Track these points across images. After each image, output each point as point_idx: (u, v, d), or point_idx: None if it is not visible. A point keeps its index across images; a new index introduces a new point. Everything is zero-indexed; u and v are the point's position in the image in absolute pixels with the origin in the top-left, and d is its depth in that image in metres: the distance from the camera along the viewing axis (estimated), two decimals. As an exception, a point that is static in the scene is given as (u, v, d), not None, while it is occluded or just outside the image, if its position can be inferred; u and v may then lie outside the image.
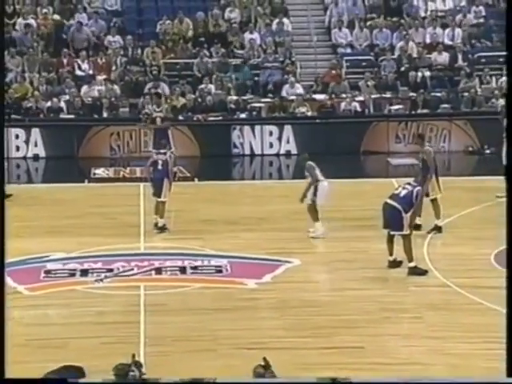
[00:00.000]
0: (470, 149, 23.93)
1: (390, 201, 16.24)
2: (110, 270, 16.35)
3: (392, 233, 16.14)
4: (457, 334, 14.04)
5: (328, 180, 18.91)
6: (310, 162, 18.03)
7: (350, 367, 12.99)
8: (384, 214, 16.30)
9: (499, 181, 19.86)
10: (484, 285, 15.61)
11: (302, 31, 27.72)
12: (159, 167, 18.46)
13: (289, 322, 14.58)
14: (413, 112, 24.91)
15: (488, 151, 23.52)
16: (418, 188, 16.22)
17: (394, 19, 27.31)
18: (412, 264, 16.04)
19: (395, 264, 16.23)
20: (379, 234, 16.61)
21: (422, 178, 16.80)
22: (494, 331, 14.03)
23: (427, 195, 17.53)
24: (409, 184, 16.38)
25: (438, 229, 17.91)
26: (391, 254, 16.25)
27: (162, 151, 19.25)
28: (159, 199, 18.24)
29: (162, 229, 18.19)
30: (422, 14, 27.43)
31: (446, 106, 24.98)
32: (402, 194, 16.17)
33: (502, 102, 24.47)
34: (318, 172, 17.88)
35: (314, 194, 17.70)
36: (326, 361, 13.23)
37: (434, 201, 17.93)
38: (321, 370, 12.82)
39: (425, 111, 24.86)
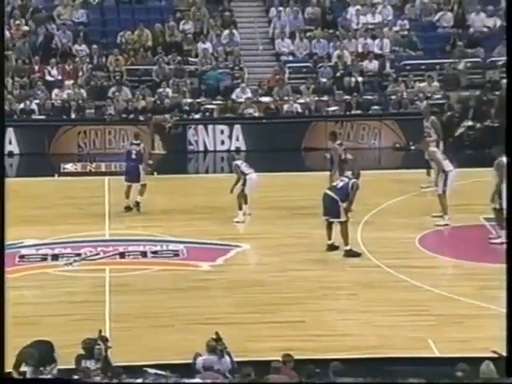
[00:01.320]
0: (398, 145, 24.07)
1: (328, 192, 16.31)
2: (79, 255, 16.24)
3: (330, 220, 16.21)
4: (386, 308, 14.13)
5: (272, 174, 19.01)
6: (234, 162, 18.33)
7: (293, 339, 13.04)
8: (324, 204, 16.36)
9: (423, 173, 20.05)
10: (409, 265, 15.73)
11: (249, 41, 27.66)
12: (133, 156, 18.74)
13: (239, 299, 14.59)
14: (347, 113, 24.97)
15: (412, 147, 23.68)
16: (354, 180, 16.29)
17: (330, 31, 27.35)
18: (348, 247, 16.12)
19: (333, 247, 16.30)
20: (319, 221, 16.68)
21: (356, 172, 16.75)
22: (418, 305, 14.21)
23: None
24: (346, 177, 16.45)
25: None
26: (329, 239, 16.31)
27: (135, 142, 19.23)
28: (137, 183, 18.59)
29: (137, 206, 18.51)
30: (355, 27, 27.49)
31: (376, 107, 25.09)
32: (339, 186, 16.25)
33: (424, 103, 24.69)
34: (243, 168, 18.09)
35: (243, 184, 17.94)
36: (272, 333, 13.26)
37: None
38: (267, 342, 12.87)
39: (358, 112, 24.95)
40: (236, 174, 18.08)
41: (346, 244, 16.12)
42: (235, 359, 11.28)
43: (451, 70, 25.51)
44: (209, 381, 10.38)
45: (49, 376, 10.23)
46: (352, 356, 12.34)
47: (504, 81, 24.92)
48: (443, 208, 17.46)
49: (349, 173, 16.65)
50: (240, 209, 18.03)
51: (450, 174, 17.56)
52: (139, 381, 10.14)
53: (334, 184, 16.40)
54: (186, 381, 10.43)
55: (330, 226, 16.26)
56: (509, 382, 9.29)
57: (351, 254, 16.07)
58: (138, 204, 18.63)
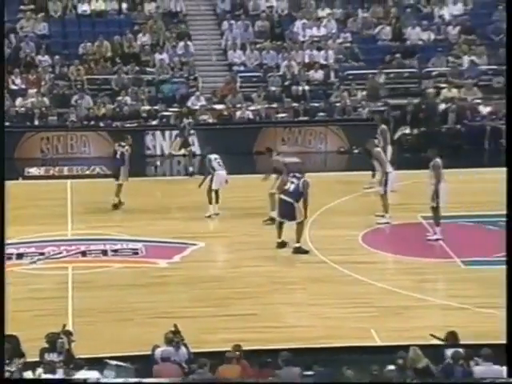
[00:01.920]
0: (342, 149, 24.15)
1: (283, 196, 16.20)
2: (42, 254, 16.07)
3: (288, 222, 16.07)
4: (332, 301, 14.19)
5: (228, 176, 18.98)
6: (208, 156, 18.41)
7: (246, 331, 13.05)
8: (279, 207, 16.31)
9: (365, 175, 20.17)
10: (353, 260, 15.81)
11: (203, 52, 27.56)
12: (117, 156, 18.97)
13: (195, 294, 14.55)
14: (295, 119, 25.03)
15: (356, 151, 23.81)
16: (303, 179, 16.24)
17: (279, 43, 27.37)
18: (298, 245, 16.12)
19: (282, 245, 16.30)
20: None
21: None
22: (362, 298, 14.30)
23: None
24: (294, 177, 16.37)
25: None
26: (279, 237, 16.29)
27: (122, 144, 19.30)
28: (116, 182, 18.80)
29: (119, 204, 18.72)
30: (301, 39, 27.54)
31: (322, 114, 25.14)
32: (291, 189, 16.12)
33: (366, 111, 24.84)
34: (214, 164, 18.13)
35: (211, 180, 17.99)
36: (226, 326, 13.25)
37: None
38: (221, 334, 12.85)
39: (305, 118, 25.01)
40: (206, 168, 18.10)
41: (298, 241, 16.11)
42: (192, 350, 11.26)
43: (372, 81, 25.66)
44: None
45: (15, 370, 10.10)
46: (301, 346, 12.37)
47: (431, 90, 25.21)
48: (384, 207, 17.59)
49: (296, 172, 16.57)
50: (210, 203, 17.90)
51: (390, 175, 17.71)
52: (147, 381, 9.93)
53: (286, 188, 16.28)
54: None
55: (280, 225, 16.24)
56: (509, 382, 9.20)
57: (300, 251, 16.08)
58: (119, 202, 18.82)
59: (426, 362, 10.52)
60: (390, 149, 20.08)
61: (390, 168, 17.88)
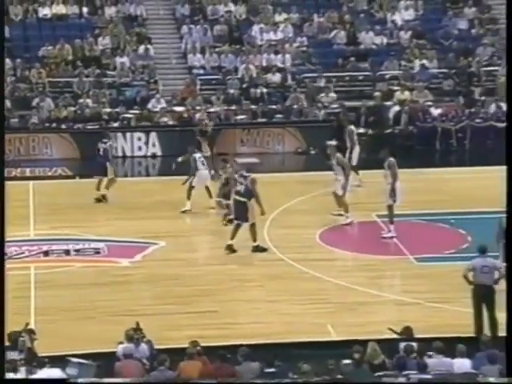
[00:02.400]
0: (299, 150, 24.24)
1: (236, 197, 16.19)
2: (5, 254, 15.86)
3: (242, 223, 16.00)
4: (290, 297, 14.23)
5: (186, 177, 18.90)
6: (193, 155, 18.56)
7: (206, 327, 13.05)
8: (234, 209, 16.28)
9: (322, 175, 20.26)
10: (311, 258, 15.87)
11: (163, 55, 27.48)
12: (101, 153, 19.37)
13: (156, 292, 14.51)
14: (254, 121, 25.08)
15: (313, 152, 23.92)
16: (250, 178, 16.11)
17: (237, 46, 27.38)
18: (255, 243, 16.14)
19: (231, 249, 16.00)
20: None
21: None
22: (319, 294, 14.36)
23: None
24: (242, 177, 16.23)
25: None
26: (232, 239, 16.04)
27: (104, 141, 19.58)
28: (105, 177, 19.14)
29: (104, 199, 18.98)
30: (259, 43, 27.60)
31: (279, 116, 25.24)
32: (242, 190, 16.09)
33: (322, 112, 24.97)
34: (198, 163, 18.40)
35: (193, 179, 18.29)
36: (187, 323, 13.24)
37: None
38: (183, 331, 12.83)
39: (263, 120, 25.07)
40: (191, 166, 18.32)
41: (254, 241, 16.11)
42: (156, 347, 11.23)
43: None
44: None
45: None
46: (260, 341, 12.39)
47: (377, 93, 25.38)
48: (344, 207, 17.63)
49: (242, 172, 16.43)
50: (188, 199, 18.16)
51: (349, 177, 17.73)
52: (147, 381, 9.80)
53: (238, 189, 16.21)
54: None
55: (237, 227, 16.12)
56: (509, 383, 9.15)
57: (258, 249, 16.11)
58: (104, 196, 18.94)
59: (382, 358, 10.60)
60: (357, 149, 20.11)
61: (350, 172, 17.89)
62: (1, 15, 9.38)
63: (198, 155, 18.62)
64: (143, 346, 11.10)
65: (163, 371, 10.43)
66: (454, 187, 19.99)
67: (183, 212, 18.09)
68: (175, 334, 12.71)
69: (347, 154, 19.79)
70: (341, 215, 17.65)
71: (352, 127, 20.69)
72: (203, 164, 18.47)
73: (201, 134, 22.24)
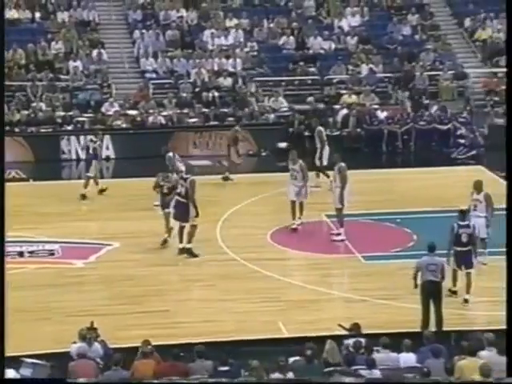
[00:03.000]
0: (250, 152, 24.26)
1: (178, 198, 16.04)
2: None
3: (182, 224, 15.82)
4: (242, 296, 14.23)
5: (139, 178, 18.81)
6: (168, 154, 18.81)
7: (159, 326, 12.99)
8: (175, 209, 16.10)
9: (273, 176, 20.31)
10: (262, 257, 15.87)
11: (116, 60, 27.27)
12: (90, 151, 19.94)
13: (110, 293, 14.39)
14: (206, 124, 25.03)
15: (264, 154, 23.96)
16: (191, 179, 15.99)
17: (189, 51, 27.31)
18: (188, 245, 15.81)
19: (182, 251, 15.82)
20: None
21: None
22: (270, 293, 14.38)
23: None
24: (182, 179, 16.11)
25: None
26: (181, 242, 15.88)
27: (93, 139, 20.00)
28: (86, 174, 19.62)
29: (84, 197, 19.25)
30: (210, 48, 27.57)
31: (231, 119, 25.23)
32: (183, 192, 15.95)
33: (272, 116, 25.01)
34: (179, 164, 18.62)
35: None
36: (140, 322, 13.15)
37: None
38: (136, 330, 12.74)
39: (215, 123, 25.04)
40: (168, 165, 18.34)
41: (189, 242, 15.81)
42: (110, 347, 11.13)
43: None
44: None
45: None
46: (213, 340, 12.36)
47: (310, 98, 25.46)
48: (301, 211, 17.26)
49: (181, 174, 16.31)
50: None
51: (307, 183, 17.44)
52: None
53: (179, 191, 16.01)
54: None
55: (181, 229, 15.97)
56: (509, 382, 9.14)
57: (189, 252, 15.75)
58: (101, 190, 19.47)
59: (339, 358, 10.62)
60: (327, 149, 19.96)
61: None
62: (1, 16, 9.13)
63: (171, 154, 18.94)
64: (96, 346, 11.00)
65: (117, 370, 10.35)
66: (400, 187, 20.19)
67: (156, 205, 17.95)
68: (128, 333, 12.62)
69: (317, 155, 19.79)
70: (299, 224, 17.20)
71: (321, 128, 20.61)
72: (180, 161, 18.82)
73: (232, 142, 22.01)
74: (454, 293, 13.74)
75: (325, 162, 19.65)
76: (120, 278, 14.91)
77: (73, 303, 13.77)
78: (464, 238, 13.55)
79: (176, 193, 16.13)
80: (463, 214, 13.98)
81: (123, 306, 13.72)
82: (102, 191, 19.60)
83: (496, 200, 15.38)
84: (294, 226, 17.15)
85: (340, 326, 12.02)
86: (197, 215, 15.85)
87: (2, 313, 8.53)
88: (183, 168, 18.05)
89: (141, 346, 10.80)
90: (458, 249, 13.56)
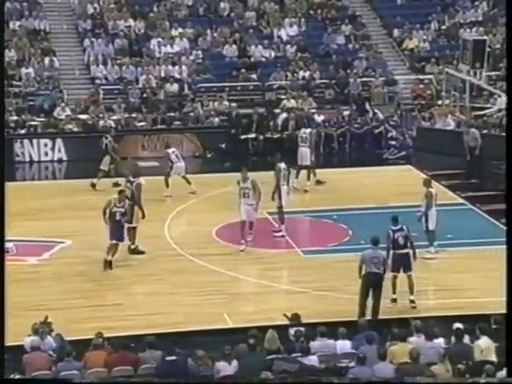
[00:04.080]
0: (196, 154, 24.22)
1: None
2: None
3: (128, 225, 15.62)
4: (190, 290, 14.23)
5: (91, 179, 18.61)
6: (166, 150, 19.34)
7: (112, 319, 12.92)
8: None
9: (217, 177, 20.32)
10: (208, 253, 15.89)
11: (67, 67, 26.99)
12: (103, 147, 20.19)
13: (64, 288, 14.26)
14: (154, 127, 24.92)
15: (209, 155, 23.95)
16: (137, 182, 15.87)
17: (137, 59, 27.18)
18: (133, 246, 15.65)
19: (133, 251, 15.71)
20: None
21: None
22: (216, 286, 14.41)
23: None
24: (128, 182, 15.93)
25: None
26: (132, 243, 15.72)
27: (106, 135, 20.40)
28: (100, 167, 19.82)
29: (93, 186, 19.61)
30: (157, 55, 27.47)
31: (178, 122, 25.17)
32: (129, 194, 15.70)
33: (217, 119, 25.03)
34: (172, 157, 19.18)
35: (169, 169, 19.24)
36: (93, 315, 13.07)
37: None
38: (89, 323, 12.65)
39: (163, 127, 24.96)
40: (168, 161, 19.03)
41: (133, 243, 15.69)
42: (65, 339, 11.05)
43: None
44: None
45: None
46: (163, 331, 12.34)
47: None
48: (250, 229, 16.16)
49: (130, 178, 16.07)
50: (167, 187, 19.03)
51: (283, 188, 16.57)
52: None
53: (128, 194, 15.80)
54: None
55: (129, 230, 15.74)
56: (509, 382, 9.02)
57: (135, 251, 15.63)
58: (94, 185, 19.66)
59: (278, 344, 10.72)
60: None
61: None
62: (1, 16, 8.89)
63: (170, 150, 19.42)
64: (49, 339, 10.91)
65: (70, 362, 10.28)
66: (336, 186, 20.40)
67: (165, 196, 18.89)
68: (82, 326, 12.52)
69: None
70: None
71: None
72: (177, 157, 19.30)
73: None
74: (394, 301, 13.43)
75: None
76: (73, 274, 14.78)
77: (28, 298, 13.61)
78: (401, 241, 13.37)
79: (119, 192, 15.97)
80: (395, 220, 13.74)
81: (77, 300, 13.61)
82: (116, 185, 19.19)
83: (420, 197, 15.73)
84: (241, 248, 15.85)
85: (285, 315, 12.12)
86: (143, 217, 15.75)
87: (2, 313, 8.32)
88: (181, 164, 19.13)
89: (93, 338, 10.74)
90: (397, 252, 13.38)
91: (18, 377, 9.78)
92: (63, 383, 8.80)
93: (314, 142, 20.29)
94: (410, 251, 13.46)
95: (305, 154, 19.69)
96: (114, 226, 15.04)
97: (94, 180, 19.72)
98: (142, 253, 15.73)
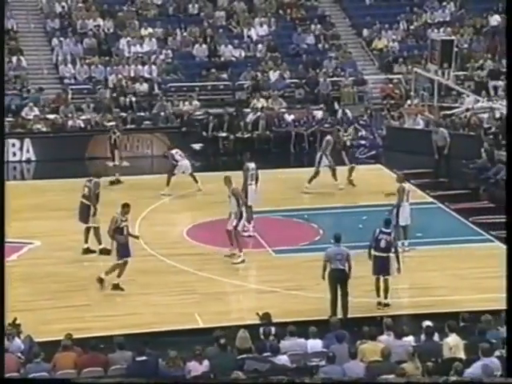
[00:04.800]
0: (166, 154, 24.12)
1: (83, 200, 15.77)
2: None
3: (85, 225, 15.60)
4: (160, 290, 14.17)
5: (59, 180, 18.44)
6: (169, 152, 19.81)
7: (81, 320, 12.83)
8: (79, 210, 15.79)
9: (188, 176, 20.24)
10: (179, 253, 15.85)
11: (35, 66, 26.77)
12: (112, 142, 20.74)
13: (33, 289, 14.13)
14: (124, 127, 24.78)
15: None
16: (94, 181, 15.71)
17: (106, 58, 27.03)
18: (100, 246, 15.56)
19: (89, 251, 15.64)
20: (104, 219, 16.44)
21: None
22: (186, 286, 14.38)
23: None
24: (88, 181, 15.85)
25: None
26: (86, 242, 15.67)
27: (114, 131, 20.97)
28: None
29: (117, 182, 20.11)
30: (127, 55, 27.34)
31: (148, 122, 25.07)
32: (87, 194, 15.70)
33: (187, 119, 24.96)
34: (176, 157, 19.61)
35: (173, 167, 19.63)
36: (63, 316, 12.97)
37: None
38: (59, 324, 12.55)
39: (133, 126, 24.83)
40: (172, 161, 19.48)
41: (99, 244, 15.63)
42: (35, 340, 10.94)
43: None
44: None
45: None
46: (133, 331, 12.28)
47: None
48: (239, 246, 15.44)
49: (91, 177, 16.00)
50: (167, 185, 19.32)
51: (250, 188, 16.29)
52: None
53: (84, 192, 15.83)
54: None
55: (87, 230, 15.72)
56: (509, 382, 8.99)
57: (103, 251, 15.49)
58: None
59: (249, 343, 10.71)
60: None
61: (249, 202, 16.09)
62: (1, 17, 8.73)
63: (174, 151, 19.73)
64: (17, 341, 10.80)
65: (39, 363, 10.19)
66: (307, 185, 20.43)
67: (163, 195, 19.15)
68: (51, 327, 12.42)
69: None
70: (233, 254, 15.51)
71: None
72: (181, 156, 19.64)
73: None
74: (379, 304, 13.30)
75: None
76: (42, 275, 14.65)
77: (-4, 300, 13.42)
78: (383, 244, 13.24)
79: (82, 195, 15.87)
80: (388, 223, 13.66)
81: (46, 302, 13.49)
82: (114, 182, 20.15)
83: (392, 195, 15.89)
84: (235, 261, 15.34)
85: (257, 314, 12.12)
86: (94, 214, 15.53)
87: (2, 313, 8.15)
88: (185, 162, 19.43)
89: (63, 340, 10.65)
90: (377, 254, 13.27)
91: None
92: (63, 383, 8.70)
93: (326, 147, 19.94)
94: (392, 255, 13.28)
95: (319, 157, 19.78)
96: (124, 242, 14.07)
97: (113, 177, 20.17)
98: (109, 253, 15.64)
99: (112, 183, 20.05)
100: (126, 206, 14.30)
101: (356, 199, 19.00)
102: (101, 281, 14.16)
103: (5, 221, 8.98)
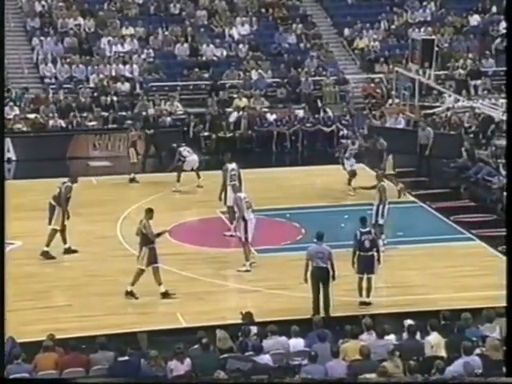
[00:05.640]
0: (172, 150, 23.62)
1: (51, 201, 15.65)
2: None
3: (50, 227, 15.47)
4: (142, 289, 14.09)
5: (41, 180, 18.31)
6: (178, 149, 19.82)
7: (62, 320, 12.79)
8: (48, 212, 15.62)
9: (170, 176, 20.20)
10: (161, 252, 15.61)
11: (15, 65, 26.61)
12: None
13: (14, 289, 13.95)
14: (105, 127, 24.69)
15: (162, 154, 23.77)
16: (66, 184, 15.65)
17: (87, 57, 26.92)
18: (45, 248, 15.43)
19: (70, 251, 15.66)
20: (82, 219, 16.35)
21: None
22: (168, 286, 14.31)
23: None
24: (63, 183, 15.76)
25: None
26: (65, 243, 15.60)
27: (131, 129, 21.50)
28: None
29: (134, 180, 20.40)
30: (108, 54, 27.23)
31: (129, 122, 24.96)
32: (56, 193, 15.61)
33: (169, 119, 24.91)
34: (184, 153, 19.57)
35: (182, 165, 19.68)
36: (43, 317, 12.92)
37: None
38: (40, 325, 12.50)
39: (114, 126, 24.74)
40: (180, 157, 19.58)
41: (47, 246, 15.45)
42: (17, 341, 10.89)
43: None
44: None
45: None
46: (115, 331, 12.24)
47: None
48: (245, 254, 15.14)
49: (66, 179, 15.94)
50: (178, 181, 19.53)
51: (250, 221, 15.23)
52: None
53: (55, 194, 15.71)
54: None
55: (62, 231, 15.58)
56: (509, 382, 8.99)
57: (68, 251, 15.49)
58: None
59: (230, 343, 10.72)
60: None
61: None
62: (1, 17, 8.63)
63: (182, 148, 19.84)
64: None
65: (20, 364, 10.13)
66: (289, 185, 20.47)
67: (174, 191, 19.46)
68: (33, 328, 12.36)
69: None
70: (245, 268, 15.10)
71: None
72: (189, 152, 19.78)
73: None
74: (363, 303, 13.38)
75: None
76: (23, 275, 14.56)
77: (-24, 301, 13.34)
78: (367, 244, 13.43)
79: (52, 196, 15.72)
80: (364, 221, 13.82)
81: (27, 302, 13.42)
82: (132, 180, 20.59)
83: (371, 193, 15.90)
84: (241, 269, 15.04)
85: (241, 314, 12.13)
86: (67, 218, 15.42)
87: (2, 313, 8.08)
88: (194, 158, 19.62)
89: (44, 340, 10.60)
90: (362, 254, 13.42)
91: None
92: (63, 383, 8.65)
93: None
94: (375, 254, 13.49)
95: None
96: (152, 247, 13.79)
97: (131, 175, 20.53)
98: (74, 251, 15.55)
99: (131, 181, 20.55)
100: (150, 211, 14.01)
101: (338, 198, 19.05)
102: (131, 294, 13.73)
103: (5, 221, 8.89)
